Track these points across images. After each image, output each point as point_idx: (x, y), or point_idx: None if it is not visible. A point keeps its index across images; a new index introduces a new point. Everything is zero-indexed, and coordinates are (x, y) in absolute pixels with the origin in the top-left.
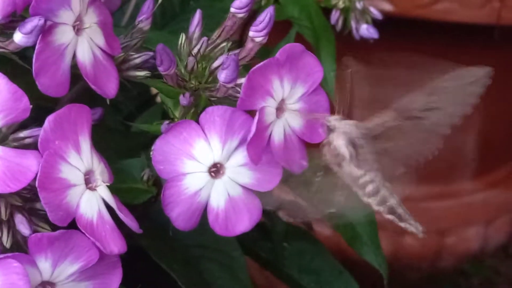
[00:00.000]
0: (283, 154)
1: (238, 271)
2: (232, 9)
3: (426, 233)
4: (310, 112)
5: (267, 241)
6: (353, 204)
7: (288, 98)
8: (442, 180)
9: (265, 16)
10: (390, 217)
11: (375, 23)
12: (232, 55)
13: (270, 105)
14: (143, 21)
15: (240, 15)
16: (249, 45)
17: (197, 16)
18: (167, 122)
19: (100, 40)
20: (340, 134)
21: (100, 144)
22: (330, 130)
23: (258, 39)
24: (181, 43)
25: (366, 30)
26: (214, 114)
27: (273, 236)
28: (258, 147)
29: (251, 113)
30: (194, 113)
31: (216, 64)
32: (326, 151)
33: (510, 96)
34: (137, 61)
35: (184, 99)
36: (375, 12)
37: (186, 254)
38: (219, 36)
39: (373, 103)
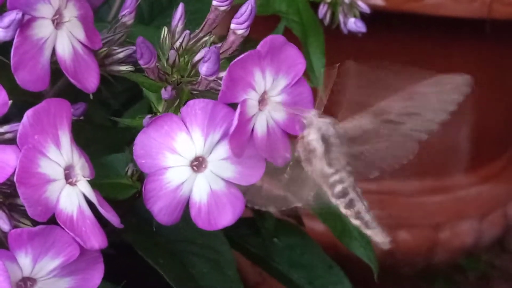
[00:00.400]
0: (266, 147)
1: (225, 266)
2: (214, 2)
3: (391, 243)
4: (294, 104)
5: (257, 237)
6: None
7: (270, 90)
8: (436, 175)
9: (246, 9)
10: (357, 222)
11: (366, 17)
12: (213, 47)
13: (252, 98)
14: (126, 16)
15: (223, 8)
16: (231, 38)
17: (180, 9)
18: (149, 116)
19: (80, 34)
20: (315, 130)
21: (86, 140)
22: (306, 125)
23: (239, 32)
24: (163, 37)
25: (353, 24)
26: (196, 107)
27: (263, 231)
28: (241, 140)
29: (234, 106)
30: (177, 107)
31: (198, 57)
32: (300, 145)
33: (502, 89)
34: (120, 55)
35: (165, 93)
36: (363, 6)
37: (172, 249)
38: (201, 29)
39: (361, 106)
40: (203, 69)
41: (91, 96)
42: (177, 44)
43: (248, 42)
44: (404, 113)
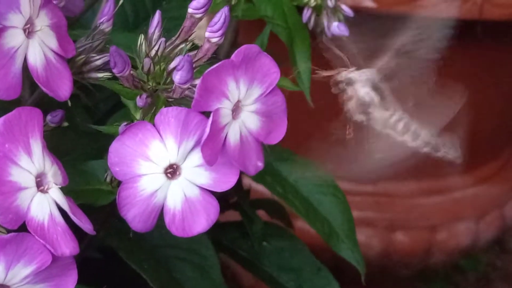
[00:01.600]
0: (239, 155)
1: (210, 271)
2: (189, 10)
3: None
4: (268, 113)
5: (246, 240)
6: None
7: (244, 99)
8: (432, 176)
9: (220, 17)
10: (426, 149)
11: (357, 18)
12: (186, 56)
13: (225, 107)
14: (104, 23)
15: (198, 16)
16: (205, 45)
17: (156, 17)
18: (124, 123)
19: (52, 42)
20: (365, 82)
21: (69, 146)
22: (350, 83)
23: (214, 40)
24: (140, 44)
25: (336, 28)
26: (169, 115)
27: (251, 235)
28: (213, 148)
29: (208, 113)
30: (154, 114)
31: (173, 65)
32: (351, 105)
33: (496, 90)
34: (98, 62)
35: (140, 101)
36: (347, 10)
37: (156, 254)
38: (178, 36)
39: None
40: (177, 77)
41: (69, 103)
42: (153, 51)
43: (236, 47)
44: (415, 40)
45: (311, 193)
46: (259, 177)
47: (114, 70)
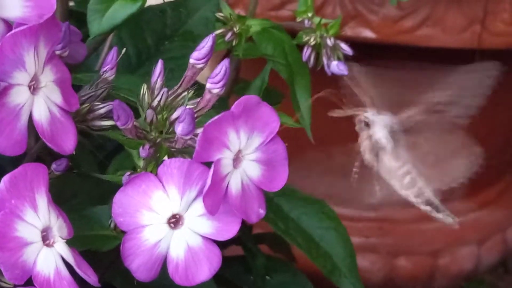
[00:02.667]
0: (241, 204)
1: None
2: (191, 60)
3: (456, 224)
4: (268, 162)
5: (249, 275)
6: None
7: (245, 149)
8: None
9: (221, 69)
10: (427, 208)
11: (357, 49)
12: (187, 108)
13: (226, 157)
14: (108, 71)
15: (200, 66)
16: (206, 96)
17: (159, 66)
18: (128, 173)
19: (57, 97)
20: (381, 127)
21: (73, 191)
22: (367, 124)
23: (215, 91)
24: (142, 93)
25: (336, 67)
26: (172, 167)
27: (254, 269)
28: (215, 198)
29: (210, 163)
30: (156, 163)
31: (175, 115)
32: (365, 146)
33: (496, 116)
34: (102, 111)
35: (143, 151)
36: (346, 48)
37: None
38: (180, 85)
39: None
40: (179, 129)
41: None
42: (156, 101)
43: (238, 83)
44: (448, 102)
45: (312, 229)
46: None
47: (118, 123)
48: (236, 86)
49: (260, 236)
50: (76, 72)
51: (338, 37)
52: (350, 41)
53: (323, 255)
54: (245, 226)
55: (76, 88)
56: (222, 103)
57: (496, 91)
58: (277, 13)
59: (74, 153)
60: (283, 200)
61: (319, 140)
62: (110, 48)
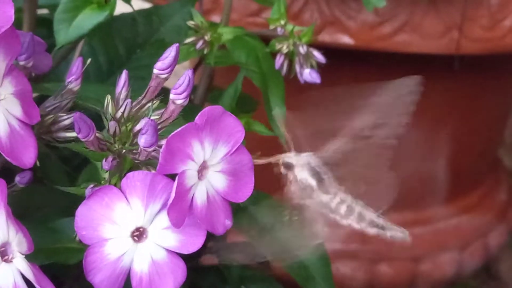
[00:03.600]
0: (206, 216)
1: None
2: (155, 71)
3: (408, 238)
4: (234, 172)
5: (224, 284)
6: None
7: (210, 160)
8: (414, 207)
9: (184, 80)
10: (374, 230)
11: (336, 56)
12: (150, 120)
13: (191, 168)
14: (73, 82)
15: (163, 76)
16: (170, 107)
17: (123, 77)
18: (91, 186)
19: (17, 110)
20: (303, 167)
21: (39, 202)
22: (289, 167)
23: (179, 102)
24: (106, 105)
25: (308, 75)
26: (135, 179)
27: (230, 279)
28: (180, 211)
29: (175, 175)
30: (120, 175)
31: (138, 127)
32: (292, 188)
33: (475, 121)
34: (66, 122)
35: (106, 164)
36: (319, 57)
37: None
38: (144, 96)
39: (328, 132)
40: (141, 141)
41: (37, 163)
42: (119, 112)
43: (211, 91)
44: (373, 126)
45: None
46: (234, 222)
47: (79, 135)
48: (210, 94)
49: (235, 245)
50: (45, 82)
51: (315, 43)
52: (328, 48)
53: (297, 264)
54: (219, 236)
55: (45, 98)
56: (195, 111)
57: (476, 96)
58: (255, 19)
59: (40, 164)
60: (257, 209)
61: (295, 146)
62: (80, 56)
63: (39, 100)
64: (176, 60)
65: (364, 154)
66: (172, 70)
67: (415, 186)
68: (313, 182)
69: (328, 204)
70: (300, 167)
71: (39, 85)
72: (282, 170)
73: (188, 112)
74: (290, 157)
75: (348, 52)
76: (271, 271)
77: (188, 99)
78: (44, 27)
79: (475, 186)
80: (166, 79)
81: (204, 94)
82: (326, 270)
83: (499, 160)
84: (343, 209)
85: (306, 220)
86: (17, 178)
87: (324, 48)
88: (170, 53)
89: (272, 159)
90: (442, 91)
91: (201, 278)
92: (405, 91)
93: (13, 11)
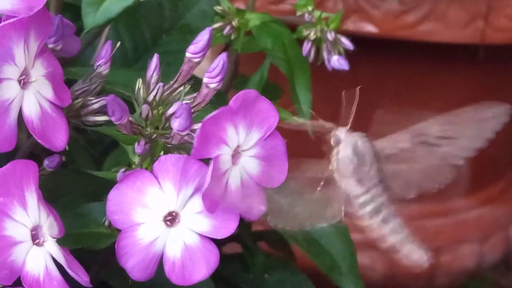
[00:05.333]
0: (240, 201)
1: None
2: (187, 54)
3: (430, 261)
4: (268, 157)
5: (247, 273)
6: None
7: (243, 145)
8: (436, 198)
9: (218, 63)
10: (391, 240)
11: (359, 44)
12: (184, 104)
13: (225, 153)
14: (102, 66)
15: (196, 60)
16: (204, 91)
17: (154, 60)
18: (123, 170)
19: (48, 92)
20: (347, 145)
21: (67, 187)
22: (337, 141)
23: (212, 86)
24: (138, 88)
25: (336, 62)
26: (167, 163)
27: (253, 267)
28: (214, 196)
29: (207, 159)
30: (152, 159)
31: (171, 110)
32: (332, 163)
33: None
34: (95, 106)
35: (138, 148)
36: (347, 43)
37: None
38: (176, 80)
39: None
40: (175, 125)
41: (66, 148)
42: (151, 96)
43: (236, 78)
44: (442, 136)
45: None
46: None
47: (112, 118)
48: (235, 80)
49: (259, 233)
50: (71, 66)
51: (339, 31)
52: (352, 36)
53: (322, 253)
54: (244, 224)
55: (72, 82)
56: (220, 98)
57: (499, 86)
58: (277, 7)
59: (68, 148)
60: (276, 191)
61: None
62: (106, 41)
63: (66, 85)
64: (209, 44)
65: (422, 161)
66: (204, 54)
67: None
68: (351, 166)
69: (357, 197)
70: (346, 144)
71: (65, 69)
72: (332, 140)
73: (214, 98)
74: (341, 131)
75: (371, 40)
76: (295, 260)
77: (221, 83)
78: (69, 12)
79: (496, 178)
80: (198, 63)
81: (230, 80)
82: (352, 260)
83: None
84: (369, 207)
85: (328, 197)
86: (45, 162)
87: (348, 36)
88: (203, 37)
89: (327, 125)
90: (466, 81)
91: (223, 266)
92: (488, 116)
93: None
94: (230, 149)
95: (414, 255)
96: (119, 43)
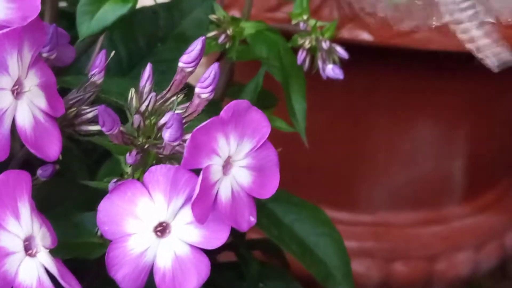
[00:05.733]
0: (231, 212)
1: None
2: (180, 64)
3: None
4: (259, 168)
5: (242, 282)
6: None
7: (235, 155)
8: (430, 205)
9: (210, 73)
10: (486, 41)
11: (355, 52)
12: (175, 114)
13: (216, 163)
14: (96, 75)
15: (189, 70)
16: (195, 101)
17: (147, 70)
18: (114, 180)
19: (41, 102)
20: None
21: (60, 196)
22: None
23: (204, 96)
24: (130, 98)
25: (331, 71)
26: (158, 174)
27: (248, 276)
28: (204, 206)
29: (199, 170)
30: (144, 170)
31: (163, 120)
32: None
33: (494, 119)
34: (89, 115)
35: (129, 158)
36: (341, 52)
37: None
38: (169, 90)
39: None
40: (166, 135)
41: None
42: (144, 106)
43: (232, 86)
44: None
45: (307, 235)
46: None
47: (103, 129)
48: (230, 88)
49: (254, 242)
50: (65, 75)
51: (334, 40)
52: (347, 44)
53: (317, 262)
54: (238, 232)
55: (66, 91)
56: (215, 107)
57: (495, 95)
58: (273, 15)
59: (62, 157)
60: (277, 206)
61: (315, 142)
62: (101, 49)
63: (60, 94)
64: (202, 54)
65: None
66: (197, 64)
67: (431, 185)
68: None
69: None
70: None
71: (59, 78)
72: None
73: (208, 106)
74: None
75: (366, 48)
76: (289, 269)
77: (213, 93)
78: (64, 19)
79: (491, 186)
80: (191, 72)
81: (224, 89)
82: (346, 269)
83: None
84: (469, 12)
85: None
86: (39, 171)
87: (343, 45)
88: (196, 47)
89: None
90: (461, 89)
91: (218, 275)
92: None
93: (39, 0)
94: (221, 159)
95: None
96: (113, 52)
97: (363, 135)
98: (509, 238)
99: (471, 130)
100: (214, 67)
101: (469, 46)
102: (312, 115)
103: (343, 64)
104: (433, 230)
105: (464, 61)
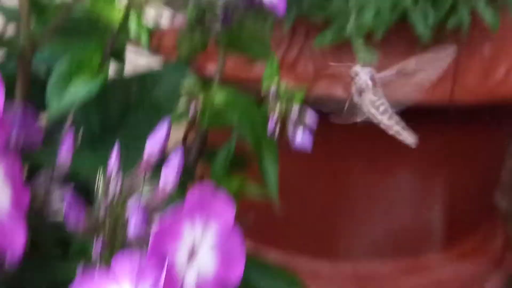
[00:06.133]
0: None
1: None
2: (145, 154)
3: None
4: (225, 254)
5: None
6: None
7: (200, 241)
8: (411, 254)
9: (172, 164)
10: (397, 128)
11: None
12: (138, 207)
13: (180, 250)
14: (63, 158)
15: (153, 160)
16: (160, 193)
17: (115, 153)
18: (81, 266)
19: (5, 199)
20: (365, 73)
21: (31, 280)
22: (355, 73)
23: (168, 189)
24: (97, 182)
25: (300, 140)
26: (124, 260)
27: None
28: None
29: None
30: (111, 254)
31: (130, 207)
32: (353, 90)
33: (471, 167)
34: (56, 206)
35: (97, 244)
36: (311, 122)
37: None
38: (137, 173)
39: None
40: (130, 227)
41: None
42: (111, 190)
43: (206, 148)
44: (416, 69)
45: None
46: None
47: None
48: (204, 153)
49: None
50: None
51: (309, 98)
52: (323, 100)
53: None
54: None
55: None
56: (188, 174)
57: (472, 143)
58: (247, 74)
59: (31, 238)
60: (252, 271)
61: (294, 192)
62: (74, 118)
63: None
64: (167, 141)
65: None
66: (162, 151)
67: (411, 233)
68: (370, 84)
69: (373, 102)
70: (363, 72)
71: (30, 154)
72: (352, 73)
73: (182, 174)
74: (358, 67)
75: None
76: None
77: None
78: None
79: (471, 232)
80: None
81: (198, 155)
82: None
83: (494, 205)
84: (382, 108)
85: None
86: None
87: (319, 101)
88: (158, 139)
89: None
90: (438, 138)
91: None
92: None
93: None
94: (186, 246)
95: (409, 138)
96: (82, 129)
97: (341, 185)
98: (490, 285)
99: (449, 178)
100: (177, 156)
101: (391, 132)
102: (290, 166)
103: (319, 122)
104: (413, 280)
105: (439, 112)
